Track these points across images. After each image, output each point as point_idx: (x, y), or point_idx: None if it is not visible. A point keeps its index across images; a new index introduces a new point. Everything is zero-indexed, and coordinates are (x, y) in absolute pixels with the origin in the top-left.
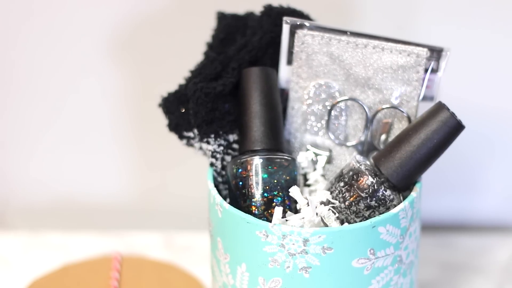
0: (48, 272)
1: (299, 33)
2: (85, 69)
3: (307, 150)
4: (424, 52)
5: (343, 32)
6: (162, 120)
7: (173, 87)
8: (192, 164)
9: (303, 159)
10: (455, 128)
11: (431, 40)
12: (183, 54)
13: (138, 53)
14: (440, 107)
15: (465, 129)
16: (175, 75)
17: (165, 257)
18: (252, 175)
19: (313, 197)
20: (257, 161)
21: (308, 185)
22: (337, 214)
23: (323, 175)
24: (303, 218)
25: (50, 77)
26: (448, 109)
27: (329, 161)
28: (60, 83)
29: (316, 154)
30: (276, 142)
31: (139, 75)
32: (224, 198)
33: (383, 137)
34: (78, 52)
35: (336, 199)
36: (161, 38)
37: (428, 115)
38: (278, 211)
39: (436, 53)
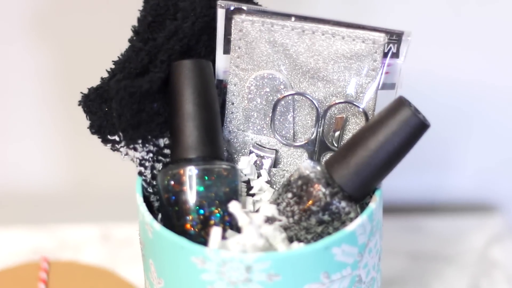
0: None
1: (237, 18)
2: (7, 46)
3: (250, 152)
4: (382, 38)
5: (287, 16)
6: None
7: (105, 65)
8: None
9: (245, 164)
10: (419, 128)
11: (390, 12)
12: (114, 29)
13: (66, 28)
14: (401, 103)
15: (436, 101)
16: (107, 51)
17: (103, 253)
18: (185, 189)
19: (257, 214)
20: (191, 172)
21: (252, 194)
22: (284, 234)
23: (268, 182)
24: (245, 239)
25: None
26: (409, 106)
27: (275, 164)
28: None
29: (261, 157)
30: (213, 148)
31: (69, 50)
32: (157, 210)
33: (336, 133)
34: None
35: (284, 213)
36: (91, 12)
37: (387, 114)
38: (215, 232)
39: (395, 35)
